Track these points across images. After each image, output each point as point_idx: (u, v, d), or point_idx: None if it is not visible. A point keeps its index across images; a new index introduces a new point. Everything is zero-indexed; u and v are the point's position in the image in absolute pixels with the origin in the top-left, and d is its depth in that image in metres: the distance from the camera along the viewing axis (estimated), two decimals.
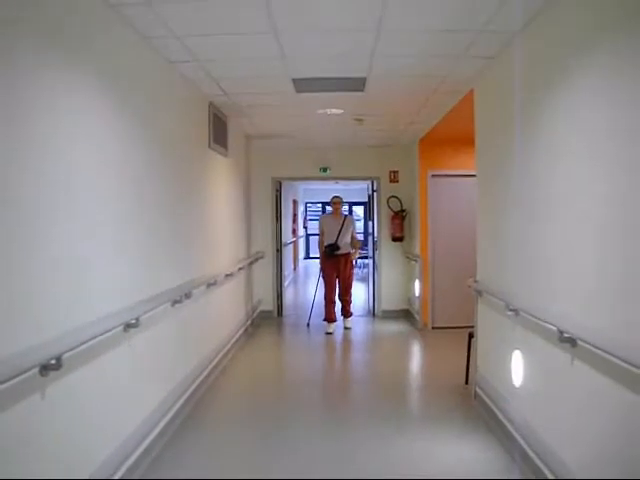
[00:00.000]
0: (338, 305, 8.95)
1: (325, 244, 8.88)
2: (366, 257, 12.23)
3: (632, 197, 2.48)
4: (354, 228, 9.12)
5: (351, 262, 9.03)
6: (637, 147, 2.45)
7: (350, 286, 9.05)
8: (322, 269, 9.02)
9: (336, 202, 9.05)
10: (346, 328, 8.90)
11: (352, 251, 9.01)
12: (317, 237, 9.36)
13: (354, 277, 9.19)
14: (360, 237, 9.63)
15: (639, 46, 2.45)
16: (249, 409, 5.15)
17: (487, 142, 4.98)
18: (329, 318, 8.80)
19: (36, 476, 2.59)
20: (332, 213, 9.13)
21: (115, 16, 3.54)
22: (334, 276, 8.86)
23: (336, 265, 8.83)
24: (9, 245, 2.42)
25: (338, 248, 8.73)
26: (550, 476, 3.34)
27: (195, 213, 5.55)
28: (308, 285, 14.23)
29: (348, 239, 8.88)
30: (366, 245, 12.33)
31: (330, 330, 8.64)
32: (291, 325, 9.48)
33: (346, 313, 9.06)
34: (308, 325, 9.09)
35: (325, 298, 8.87)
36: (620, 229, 2.61)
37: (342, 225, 8.81)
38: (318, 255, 9.42)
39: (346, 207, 8.11)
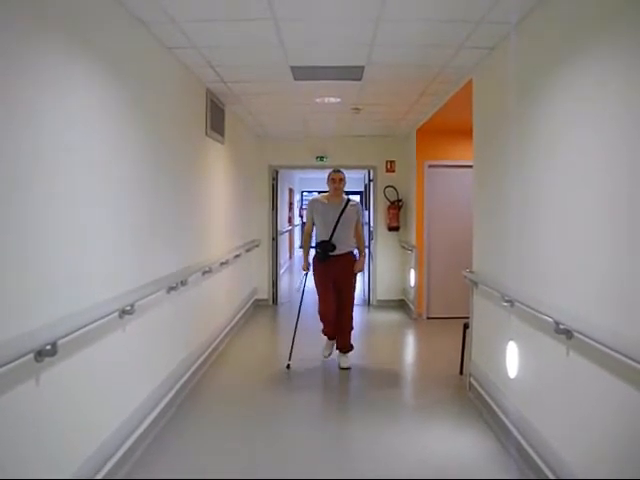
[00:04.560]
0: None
1: (316, 241, 6.19)
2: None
3: (633, 187, 2.48)
4: (360, 220, 6.35)
5: (353, 269, 6.17)
6: (634, 135, 2.45)
7: (350, 303, 6.27)
8: (314, 278, 6.23)
9: (335, 177, 6.14)
10: (342, 368, 6.08)
11: (354, 251, 6.29)
12: (304, 229, 6.56)
13: (355, 291, 6.38)
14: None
15: (637, 36, 2.46)
16: (244, 396, 5.16)
17: (485, 132, 4.97)
18: (329, 332, 6.31)
19: (32, 464, 2.59)
20: (328, 195, 6.25)
21: (112, 1, 3.50)
22: (330, 287, 6.11)
23: (332, 271, 6.07)
24: (4, 231, 2.41)
25: (333, 247, 6.02)
26: (544, 467, 3.36)
27: (191, 200, 5.53)
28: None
29: (350, 234, 6.17)
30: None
31: (326, 354, 6.34)
32: (286, 314, 9.47)
33: (343, 345, 6.26)
34: (288, 367, 6.07)
35: (320, 315, 6.23)
36: (620, 218, 2.61)
37: (341, 213, 6.06)
38: (302, 255, 6.62)
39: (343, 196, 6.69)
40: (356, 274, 6.24)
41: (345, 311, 6.21)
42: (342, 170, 6.28)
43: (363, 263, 6.32)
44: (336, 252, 6.05)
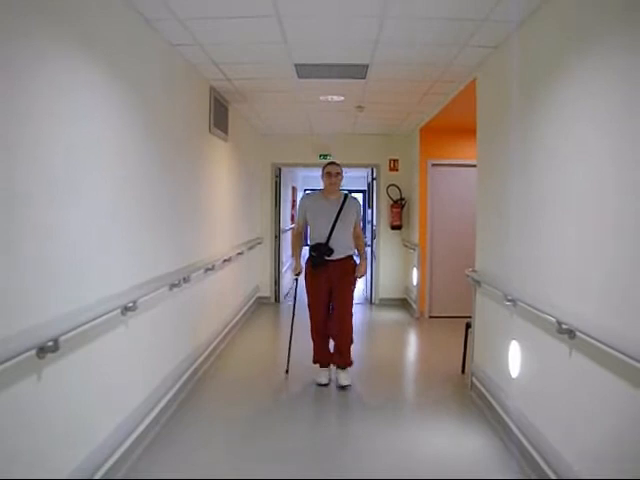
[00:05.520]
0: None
1: (310, 244, 5.47)
2: None
3: (637, 186, 2.48)
4: (358, 218, 5.58)
5: (352, 275, 5.46)
6: (637, 134, 2.45)
7: (348, 314, 5.44)
8: (307, 288, 5.52)
9: (331, 171, 5.48)
10: (341, 387, 5.30)
11: (353, 255, 5.54)
12: (292, 232, 5.89)
13: (354, 299, 5.59)
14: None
15: (637, 36, 2.46)
16: (246, 395, 5.15)
17: (488, 131, 4.97)
18: (321, 358, 5.52)
19: (31, 460, 2.59)
20: (323, 191, 5.59)
21: None
22: (325, 296, 5.40)
23: (328, 278, 5.35)
24: (7, 227, 2.41)
25: (331, 251, 5.32)
26: (545, 467, 3.36)
27: (194, 197, 5.53)
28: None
29: (349, 235, 5.44)
30: (364, 234, 11.90)
31: (323, 381, 5.39)
32: (288, 312, 9.45)
33: (342, 360, 5.46)
34: (287, 372, 5.68)
35: (313, 333, 5.54)
36: (622, 217, 2.60)
37: (339, 212, 5.36)
38: (292, 258, 5.80)
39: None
40: (356, 281, 5.53)
41: (343, 323, 5.42)
42: (338, 163, 5.65)
43: (365, 267, 5.64)
44: (334, 256, 5.33)
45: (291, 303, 9.35)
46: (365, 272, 5.74)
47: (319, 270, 5.36)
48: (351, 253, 5.51)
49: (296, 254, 5.72)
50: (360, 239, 5.64)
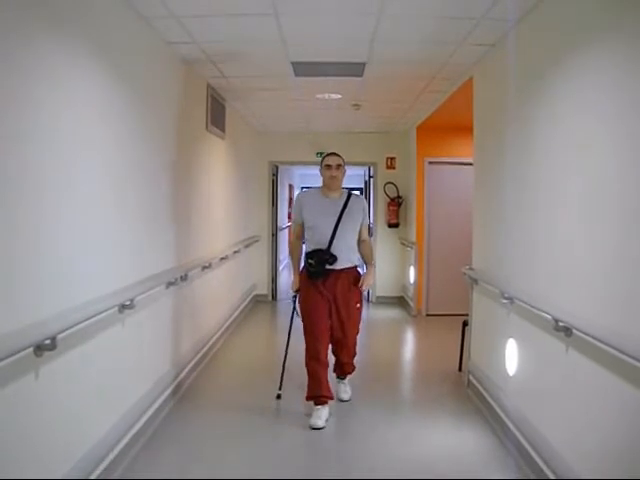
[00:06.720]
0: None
1: (308, 250, 4.56)
2: None
3: (632, 182, 2.48)
4: (366, 219, 4.72)
5: (359, 291, 4.59)
6: (635, 130, 2.44)
7: (354, 337, 4.72)
8: (302, 303, 4.56)
9: (331, 163, 4.60)
10: (342, 400, 4.80)
11: (357, 265, 4.66)
12: (291, 233, 4.97)
13: (361, 320, 4.80)
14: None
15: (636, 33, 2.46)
16: (243, 392, 5.15)
17: (485, 129, 4.97)
18: (317, 394, 4.43)
19: (27, 458, 2.59)
20: (322, 188, 4.72)
21: None
22: (324, 314, 4.45)
23: (329, 293, 4.46)
24: (3, 226, 2.41)
25: (334, 258, 4.41)
26: (542, 464, 3.36)
27: (191, 195, 5.53)
28: None
29: (354, 241, 4.59)
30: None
31: (318, 423, 4.25)
32: (285, 310, 9.45)
33: (343, 368, 4.86)
34: (279, 397, 4.83)
35: (308, 358, 4.48)
36: (620, 214, 2.60)
37: (342, 211, 4.50)
38: (291, 268, 5.00)
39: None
40: (362, 295, 4.69)
41: (347, 344, 4.69)
42: (339, 154, 4.68)
43: (373, 277, 4.70)
44: (337, 266, 4.43)
45: (288, 302, 9.30)
46: (372, 283, 4.91)
47: (318, 282, 4.44)
48: (357, 263, 4.66)
49: (294, 265, 4.81)
50: (367, 244, 4.75)
